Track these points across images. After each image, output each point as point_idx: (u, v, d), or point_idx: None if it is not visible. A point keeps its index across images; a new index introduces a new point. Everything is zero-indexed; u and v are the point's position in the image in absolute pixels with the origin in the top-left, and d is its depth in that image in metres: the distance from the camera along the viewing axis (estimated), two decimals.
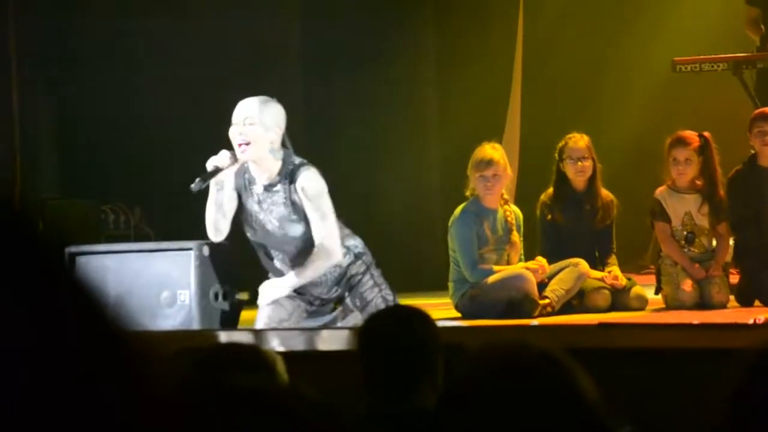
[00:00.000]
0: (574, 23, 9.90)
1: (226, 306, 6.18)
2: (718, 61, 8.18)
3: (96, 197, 8.17)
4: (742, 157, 7.08)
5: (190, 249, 6.16)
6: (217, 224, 6.01)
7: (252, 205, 6.05)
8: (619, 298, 6.92)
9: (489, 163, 6.84)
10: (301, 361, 3.78)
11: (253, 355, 2.81)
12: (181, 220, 7.83)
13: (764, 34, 8.16)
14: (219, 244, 6.20)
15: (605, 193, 7.18)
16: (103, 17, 8.49)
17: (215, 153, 8.14)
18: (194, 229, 7.00)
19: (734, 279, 7.03)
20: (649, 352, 4.16)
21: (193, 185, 5.83)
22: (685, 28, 9.43)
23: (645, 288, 7.07)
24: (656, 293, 7.01)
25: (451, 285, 6.93)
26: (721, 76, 8.25)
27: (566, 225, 7.12)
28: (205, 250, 6.15)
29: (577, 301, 6.88)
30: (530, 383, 1.70)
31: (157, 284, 6.15)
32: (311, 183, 5.90)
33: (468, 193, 6.94)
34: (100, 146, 8.42)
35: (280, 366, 2.97)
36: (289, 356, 3.03)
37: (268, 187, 6.00)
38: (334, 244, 5.93)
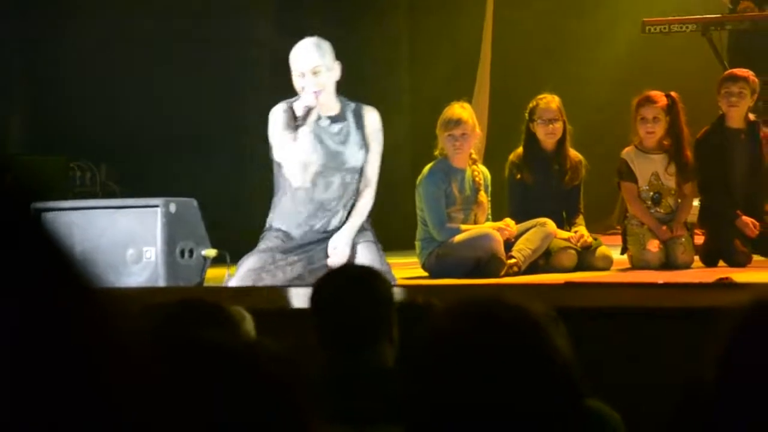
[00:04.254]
0: None
1: (192, 263, 6.17)
2: (688, 23, 8.20)
3: (63, 154, 8.12)
4: (710, 119, 7.10)
5: (157, 206, 6.14)
6: (309, 166, 6.15)
7: (316, 138, 6.17)
8: (585, 258, 6.95)
9: (458, 122, 6.84)
10: (273, 318, 3.78)
11: (218, 311, 2.81)
12: (147, 177, 7.80)
13: None
14: (185, 201, 6.18)
15: (574, 154, 7.20)
16: None
17: (183, 110, 8.10)
18: (161, 186, 6.99)
19: (699, 240, 7.07)
20: (614, 311, 4.19)
21: (301, 132, 6.02)
22: None
23: (611, 248, 7.10)
24: (622, 253, 7.04)
25: (418, 244, 6.94)
26: (691, 38, 8.27)
27: (534, 185, 7.14)
28: (172, 207, 6.13)
29: (543, 261, 6.90)
30: (505, 340, 1.69)
31: (123, 241, 6.13)
32: (377, 119, 6.31)
33: (437, 153, 6.94)
34: (68, 102, 8.37)
35: (248, 323, 2.97)
36: (259, 313, 3.03)
37: (336, 119, 6.24)
38: (377, 180, 6.31)
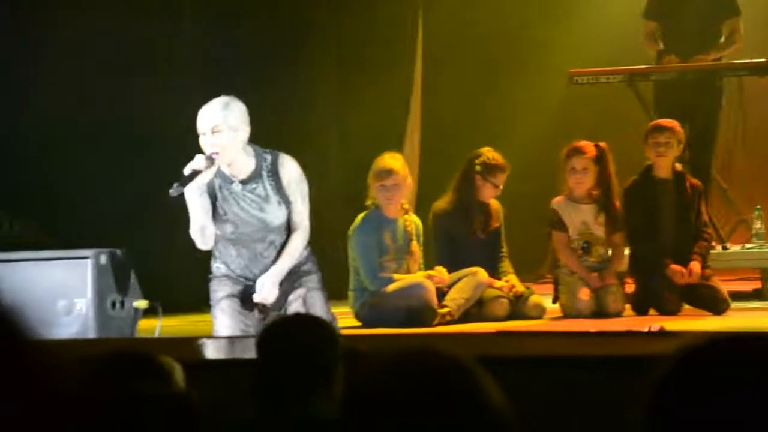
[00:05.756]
0: (472, 34, 9.97)
1: (123, 314, 6.12)
2: (614, 73, 8.29)
3: None
4: (638, 168, 7.18)
5: (87, 257, 6.09)
6: (206, 230, 6.02)
7: (231, 203, 6.06)
8: (518, 307, 6.99)
9: (389, 172, 6.87)
10: (206, 369, 3.76)
11: (148, 363, 2.78)
12: (78, 228, 7.72)
13: (661, 49, 8.28)
14: (116, 253, 6.14)
15: (492, 200, 7.29)
16: None
17: (112, 154, 8.03)
18: (90, 236, 6.92)
19: (630, 288, 7.12)
20: (547, 360, 4.20)
21: (171, 190, 5.80)
22: (583, 40, 9.55)
23: (543, 297, 7.14)
24: (554, 302, 7.08)
25: (350, 294, 6.94)
26: (618, 89, 8.36)
27: (460, 234, 7.17)
28: (102, 259, 6.09)
29: (476, 310, 6.92)
30: (438, 391, 1.69)
31: (53, 293, 6.07)
32: (294, 168, 6.12)
33: (368, 203, 6.96)
34: None
35: (178, 374, 2.95)
36: (192, 365, 3.01)
37: (247, 182, 6.07)
38: (308, 223, 6.15)
